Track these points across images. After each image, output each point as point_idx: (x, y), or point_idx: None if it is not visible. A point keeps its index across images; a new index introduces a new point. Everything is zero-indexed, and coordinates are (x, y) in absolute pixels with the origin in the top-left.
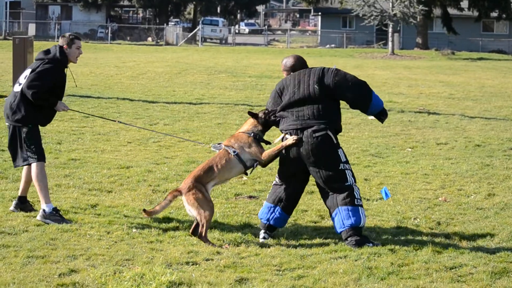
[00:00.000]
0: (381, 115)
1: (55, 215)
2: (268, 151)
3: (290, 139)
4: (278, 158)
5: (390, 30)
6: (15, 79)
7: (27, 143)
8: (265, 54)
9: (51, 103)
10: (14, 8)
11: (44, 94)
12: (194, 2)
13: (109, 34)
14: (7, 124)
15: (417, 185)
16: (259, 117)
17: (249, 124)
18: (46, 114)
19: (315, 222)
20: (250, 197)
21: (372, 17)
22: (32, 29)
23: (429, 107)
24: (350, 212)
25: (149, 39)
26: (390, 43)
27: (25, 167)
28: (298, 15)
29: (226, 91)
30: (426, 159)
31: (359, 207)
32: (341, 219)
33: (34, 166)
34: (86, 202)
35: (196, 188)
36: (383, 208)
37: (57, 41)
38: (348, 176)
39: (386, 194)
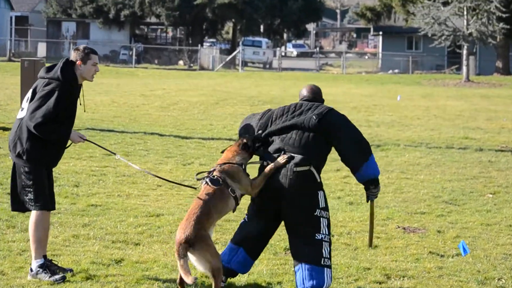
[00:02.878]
0: (371, 184)
1: (41, 273)
2: (258, 180)
3: (282, 158)
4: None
5: (464, 52)
6: None
7: (27, 184)
8: (317, 81)
9: (62, 135)
10: (21, 24)
11: (51, 126)
12: (233, 20)
13: (134, 57)
14: (10, 158)
15: (500, 238)
16: (250, 146)
17: (237, 153)
18: (54, 150)
19: (379, 283)
20: None
21: (443, 37)
22: (42, 50)
23: None
24: (313, 273)
25: (181, 62)
26: (464, 68)
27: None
28: (355, 35)
29: None
30: (510, 207)
31: (325, 268)
32: (302, 277)
33: (33, 214)
34: (109, 256)
35: (204, 236)
36: (460, 266)
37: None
38: (322, 226)
39: (464, 249)
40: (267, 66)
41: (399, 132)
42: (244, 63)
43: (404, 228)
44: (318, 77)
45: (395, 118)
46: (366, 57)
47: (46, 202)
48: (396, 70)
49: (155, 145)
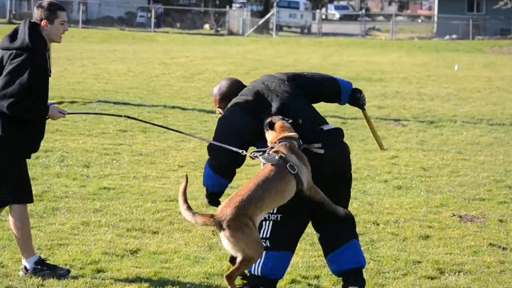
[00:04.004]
0: (358, 92)
1: (41, 270)
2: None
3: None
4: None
5: None
6: None
7: (6, 176)
8: (362, 48)
9: (40, 112)
10: None
11: (26, 103)
12: None
13: (153, 19)
14: None
15: None
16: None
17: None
18: (35, 131)
19: (431, 278)
20: None
21: None
22: None
23: None
24: (361, 251)
25: (206, 26)
26: None
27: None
28: None
29: None
30: None
31: None
32: (356, 254)
33: (16, 208)
34: (124, 246)
35: (241, 221)
36: None
37: (83, 28)
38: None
39: None
40: (305, 30)
41: (456, 107)
42: (279, 27)
43: (460, 217)
44: (363, 44)
45: (452, 91)
46: (419, 20)
47: (27, 193)
48: (454, 36)
49: (177, 120)
